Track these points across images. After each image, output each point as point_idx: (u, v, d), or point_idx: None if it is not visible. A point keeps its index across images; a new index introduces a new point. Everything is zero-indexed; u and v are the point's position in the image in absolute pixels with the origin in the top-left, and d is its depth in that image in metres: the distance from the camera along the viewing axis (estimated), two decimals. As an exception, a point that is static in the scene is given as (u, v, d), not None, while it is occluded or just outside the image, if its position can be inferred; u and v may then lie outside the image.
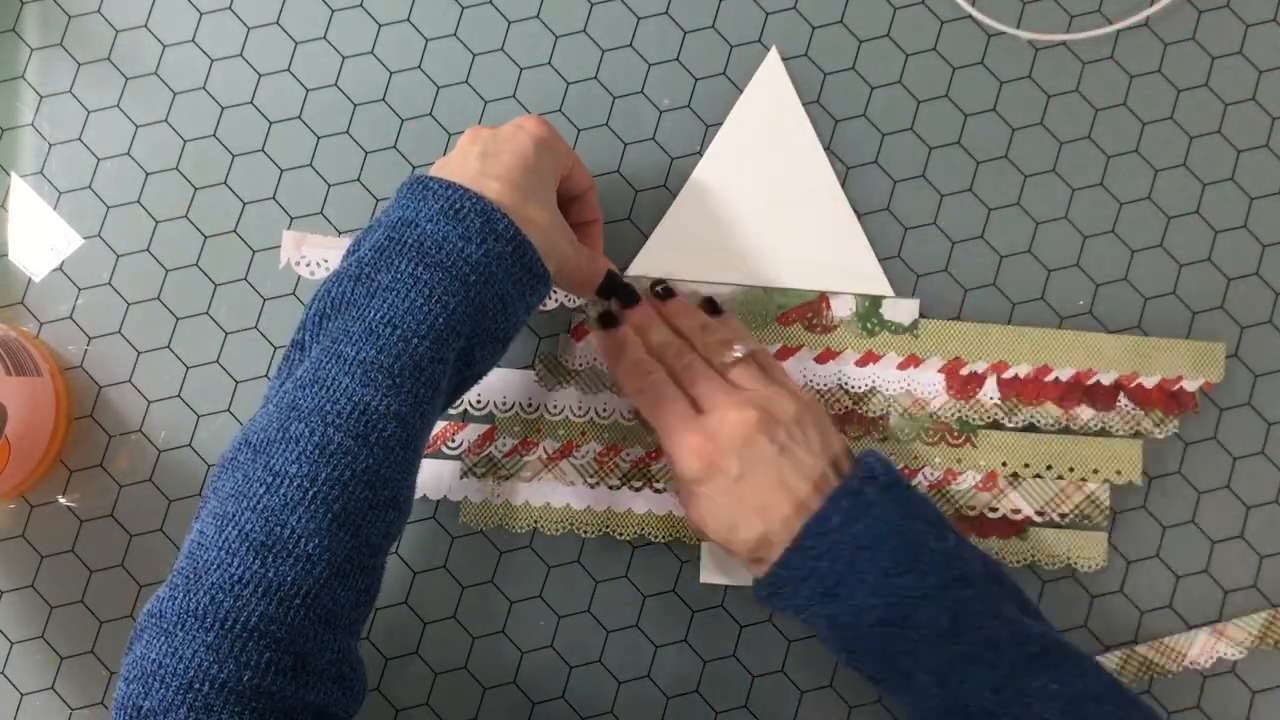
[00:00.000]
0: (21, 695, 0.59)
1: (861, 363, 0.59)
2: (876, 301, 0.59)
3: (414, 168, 0.61)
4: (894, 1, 0.62)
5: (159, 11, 0.63)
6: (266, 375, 0.60)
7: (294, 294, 0.61)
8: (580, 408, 0.59)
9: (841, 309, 0.59)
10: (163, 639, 0.40)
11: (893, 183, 0.61)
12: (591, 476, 0.58)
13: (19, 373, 0.56)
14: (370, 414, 0.43)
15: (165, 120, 0.62)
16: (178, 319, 0.61)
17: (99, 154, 0.62)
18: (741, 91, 0.61)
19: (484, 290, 0.46)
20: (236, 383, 0.60)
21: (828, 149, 0.61)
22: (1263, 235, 0.60)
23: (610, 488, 0.58)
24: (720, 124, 0.61)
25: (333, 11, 0.63)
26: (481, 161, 0.49)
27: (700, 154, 0.61)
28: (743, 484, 0.50)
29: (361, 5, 0.63)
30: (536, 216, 0.48)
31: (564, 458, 0.58)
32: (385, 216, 0.47)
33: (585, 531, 0.58)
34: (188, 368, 0.61)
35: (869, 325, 0.59)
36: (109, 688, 0.59)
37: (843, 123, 0.61)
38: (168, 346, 0.61)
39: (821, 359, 0.59)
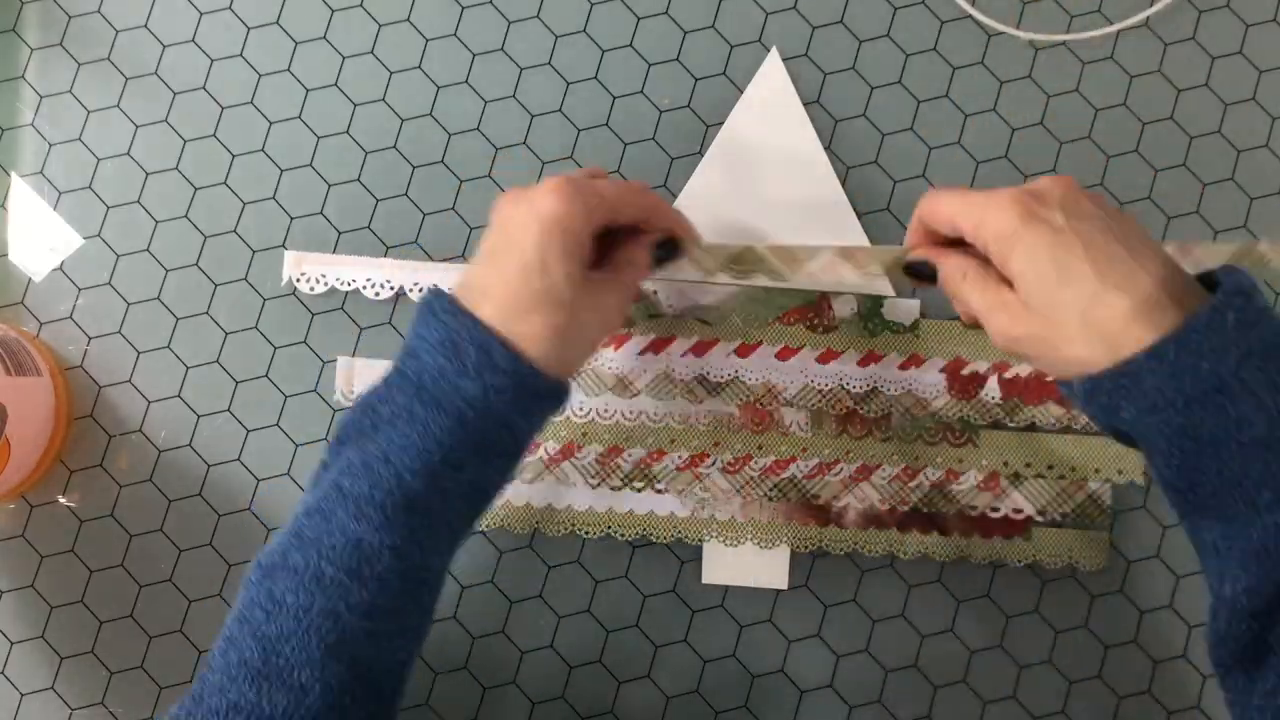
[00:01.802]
0: (21, 695, 0.59)
1: (863, 363, 0.59)
2: (878, 301, 0.59)
3: (414, 168, 0.61)
4: (894, 1, 0.62)
5: (159, 11, 0.63)
6: (266, 375, 0.60)
7: (294, 294, 0.61)
8: (581, 409, 0.59)
9: (843, 309, 0.59)
10: None
11: (893, 183, 0.61)
12: (593, 478, 0.58)
13: (19, 373, 0.56)
14: (364, 549, 0.43)
15: (165, 120, 0.62)
16: (178, 319, 0.61)
17: (99, 154, 0.62)
18: (741, 92, 0.61)
19: (483, 422, 0.45)
20: (236, 383, 0.60)
21: (828, 149, 0.61)
22: (1263, 235, 0.60)
23: (612, 489, 0.58)
24: (720, 124, 0.61)
25: (333, 11, 0.63)
26: (487, 266, 0.47)
27: (701, 154, 0.61)
28: (1085, 236, 0.43)
29: (361, 5, 0.63)
30: (540, 328, 0.45)
31: (565, 459, 0.58)
32: (406, 338, 0.47)
33: (586, 533, 0.58)
34: (188, 368, 0.61)
35: (870, 325, 0.59)
36: (109, 688, 0.59)
37: (843, 123, 0.61)
38: (168, 346, 0.61)
39: (823, 359, 0.59)
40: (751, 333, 0.59)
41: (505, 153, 0.62)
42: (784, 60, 0.62)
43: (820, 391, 0.59)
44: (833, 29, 0.62)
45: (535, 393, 0.46)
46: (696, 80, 0.62)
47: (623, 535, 0.58)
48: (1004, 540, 0.58)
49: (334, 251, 0.61)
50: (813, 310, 0.59)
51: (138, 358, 0.61)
